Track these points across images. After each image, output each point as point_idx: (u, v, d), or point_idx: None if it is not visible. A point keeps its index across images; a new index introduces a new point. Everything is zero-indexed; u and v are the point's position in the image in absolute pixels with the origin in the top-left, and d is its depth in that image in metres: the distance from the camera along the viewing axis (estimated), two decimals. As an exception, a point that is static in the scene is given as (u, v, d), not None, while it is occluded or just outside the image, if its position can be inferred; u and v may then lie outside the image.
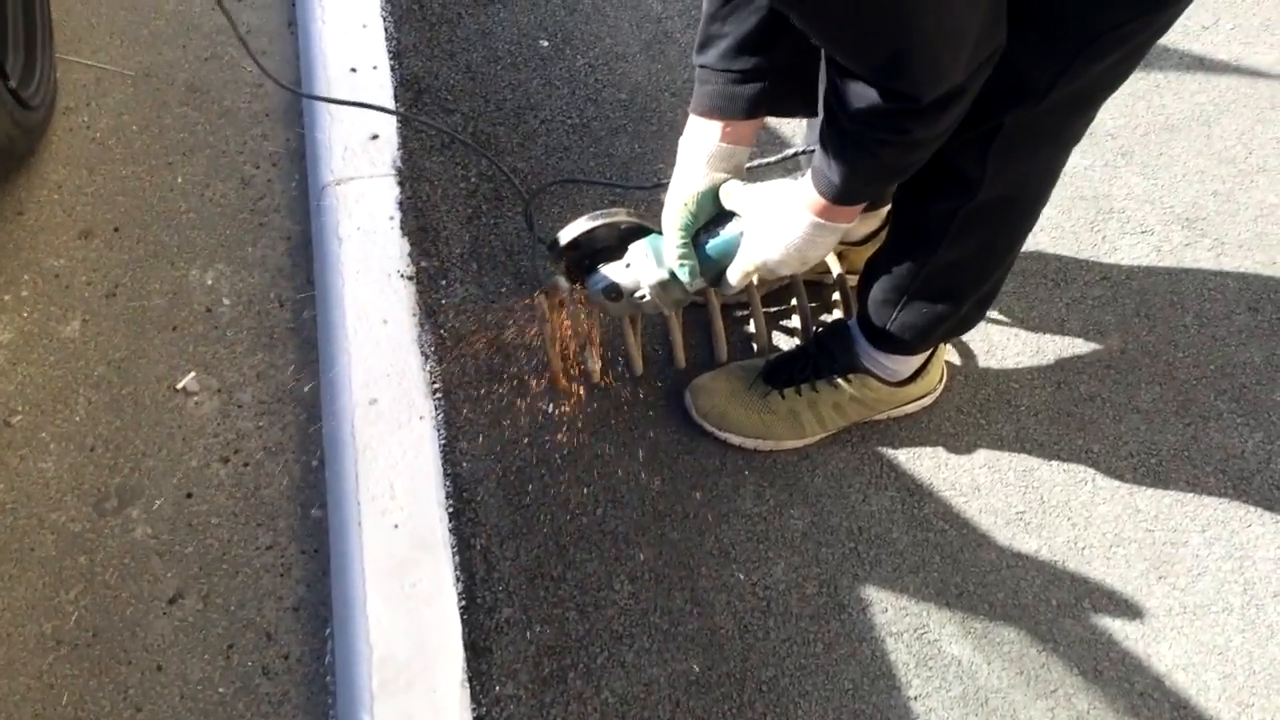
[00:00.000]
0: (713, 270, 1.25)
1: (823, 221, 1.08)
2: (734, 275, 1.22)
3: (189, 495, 1.44)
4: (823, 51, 1.17)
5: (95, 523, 1.41)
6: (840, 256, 1.56)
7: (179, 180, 1.79)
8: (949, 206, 1.14)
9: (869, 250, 1.54)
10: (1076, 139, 1.12)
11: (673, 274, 1.25)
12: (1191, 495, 1.46)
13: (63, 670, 1.29)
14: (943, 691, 1.26)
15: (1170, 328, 1.65)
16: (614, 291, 1.30)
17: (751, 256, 1.17)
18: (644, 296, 1.29)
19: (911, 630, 1.30)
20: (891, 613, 1.32)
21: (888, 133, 0.93)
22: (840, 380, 1.40)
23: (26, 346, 1.56)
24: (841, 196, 1.04)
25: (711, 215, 1.22)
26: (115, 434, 1.49)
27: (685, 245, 1.22)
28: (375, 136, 1.70)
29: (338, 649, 1.26)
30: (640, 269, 1.27)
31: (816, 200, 1.06)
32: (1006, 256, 1.25)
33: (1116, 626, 1.33)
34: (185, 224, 1.74)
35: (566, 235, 1.29)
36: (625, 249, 1.30)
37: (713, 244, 1.23)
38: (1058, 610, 1.33)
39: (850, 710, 1.23)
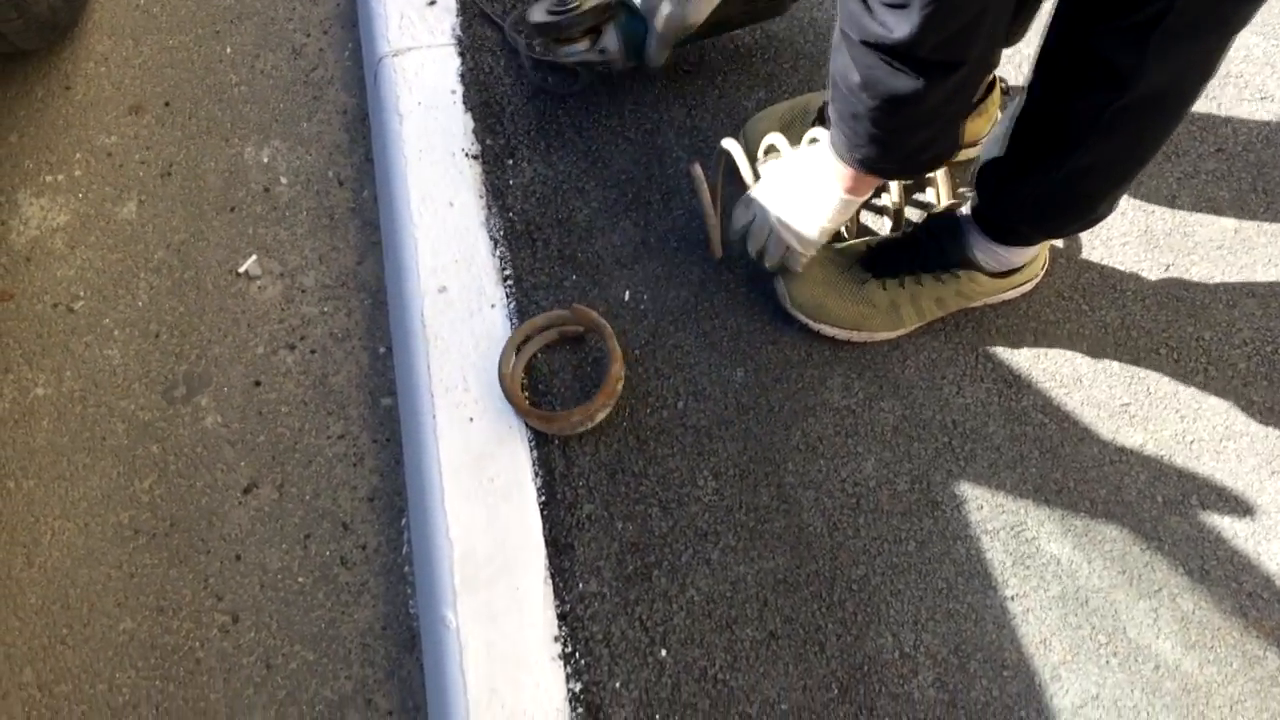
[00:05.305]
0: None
1: None
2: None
3: (257, 383, 1.41)
4: None
5: (165, 411, 1.39)
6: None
7: (228, 50, 1.70)
8: (1096, 102, 1.00)
9: (976, 123, 1.43)
10: (1244, 23, 0.95)
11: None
12: (1309, 386, 1.37)
13: (142, 560, 1.29)
14: (1041, 591, 1.21)
15: (1291, 204, 1.52)
16: None
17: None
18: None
19: (1008, 528, 1.25)
20: (987, 510, 1.26)
21: None
22: (946, 275, 1.30)
23: (84, 229, 1.52)
24: None
25: None
26: (180, 320, 1.45)
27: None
28: (433, 2, 1.59)
29: (416, 544, 1.24)
30: None
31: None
32: (1149, 157, 1.12)
33: (1225, 524, 1.26)
34: (237, 98, 1.66)
35: None
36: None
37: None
38: (1163, 507, 1.27)
39: (944, 610, 1.19)
